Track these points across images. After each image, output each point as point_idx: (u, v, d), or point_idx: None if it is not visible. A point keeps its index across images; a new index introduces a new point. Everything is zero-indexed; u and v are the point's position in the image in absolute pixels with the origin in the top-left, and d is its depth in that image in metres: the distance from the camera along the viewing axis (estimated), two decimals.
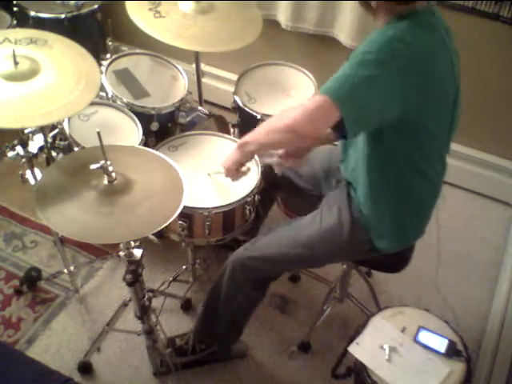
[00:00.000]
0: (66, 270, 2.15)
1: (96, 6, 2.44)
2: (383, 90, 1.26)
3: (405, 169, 1.48)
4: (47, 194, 1.42)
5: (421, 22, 1.32)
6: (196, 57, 2.30)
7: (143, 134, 1.94)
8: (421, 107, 1.34)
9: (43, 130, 1.81)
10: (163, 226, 1.36)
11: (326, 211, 1.66)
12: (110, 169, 1.40)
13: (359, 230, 1.59)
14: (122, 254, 1.52)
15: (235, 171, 1.59)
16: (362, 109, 1.28)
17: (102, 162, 1.38)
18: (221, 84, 2.91)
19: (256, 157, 1.92)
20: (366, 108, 1.27)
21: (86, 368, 1.97)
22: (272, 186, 1.89)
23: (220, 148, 1.96)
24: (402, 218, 1.57)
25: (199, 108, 2.35)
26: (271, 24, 2.55)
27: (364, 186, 1.55)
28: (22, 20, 2.35)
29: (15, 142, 1.80)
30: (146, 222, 1.38)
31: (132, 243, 1.51)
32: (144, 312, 1.66)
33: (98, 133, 1.36)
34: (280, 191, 2.05)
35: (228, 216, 1.81)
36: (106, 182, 1.41)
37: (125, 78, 2.15)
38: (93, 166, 1.39)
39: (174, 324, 2.11)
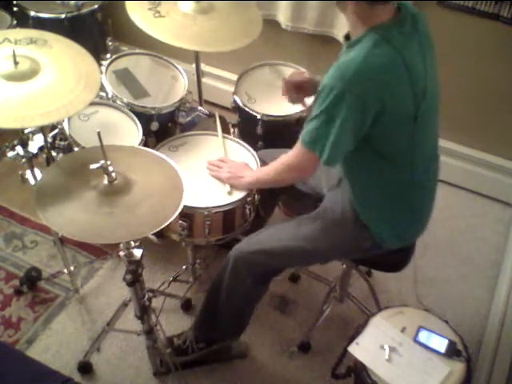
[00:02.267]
0: (66, 270, 2.15)
1: (96, 6, 2.44)
2: (347, 131, 1.38)
3: (377, 173, 1.53)
4: (47, 193, 1.42)
5: (386, 40, 1.34)
6: (196, 57, 2.30)
7: (143, 134, 1.94)
8: (377, 132, 1.41)
9: (43, 130, 1.81)
10: (163, 226, 1.36)
11: (329, 209, 1.67)
12: (110, 169, 1.40)
13: (361, 227, 1.59)
14: (121, 253, 1.51)
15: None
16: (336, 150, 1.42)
17: (102, 161, 1.38)
18: (221, 84, 2.91)
19: (257, 157, 1.92)
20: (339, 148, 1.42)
21: (86, 368, 1.97)
22: (274, 190, 1.90)
23: (219, 148, 1.96)
24: (392, 217, 1.59)
25: (199, 108, 2.35)
26: (271, 24, 2.55)
27: (349, 187, 1.59)
28: (22, 20, 2.35)
29: (15, 141, 1.80)
30: (145, 222, 1.38)
31: (132, 243, 1.51)
32: (144, 312, 1.66)
33: (98, 133, 1.36)
34: (281, 195, 2.06)
35: (228, 216, 1.81)
36: (106, 182, 1.41)
37: (125, 78, 2.15)
38: (93, 166, 1.38)
39: (174, 324, 2.11)
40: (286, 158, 1.58)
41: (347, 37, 1.47)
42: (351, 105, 1.33)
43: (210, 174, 1.86)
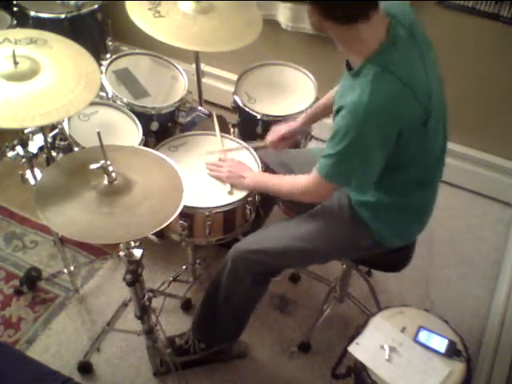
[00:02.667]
0: (66, 270, 2.15)
1: (96, 6, 2.44)
2: (374, 163, 1.42)
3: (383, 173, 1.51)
4: (47, 193, 1.42)
5: (386, 70, 1.33)
6: (196, 57, 2.30)
7: (143, 134, 1.94)
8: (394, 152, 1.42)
9: (43, 130, 1.81)
10: (163, 226, 1.36)
11: (327, 208, 1.67)
12: (110, 169, 1.40)
13: (360, 225, 1.59)
14: (121, 253, 1.51)
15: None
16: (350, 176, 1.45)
17: (102, 161, 1.38)
18: (221, 84, 2.91)
19: (257, 157, 1.92)
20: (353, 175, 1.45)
21: (86, 368, 1.97)
22: None
23: (220, 148, 1.96)
24: (392, 215, 1.59)
25: (199, 108, 2.35)
26: (271, 24, 2.54)
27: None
28: (22, 20, 2.34)
29: (15, 141, 1.80)
30: (145, 222, 1.38)
31: (132, 243, 1.51)
32: (144, 312, 1.66)
33: (98, 133, 1.36)
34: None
35: (229, 216, 1.81)
36: (106, 182, 1.41)
37: (125, 78, 2.15)
38: (93, 166, 1.38)
39: (174, 324, 2.11)
40: (304, 182, 1.56)
41: (348, 65, 1.45)
42: (371, 141, 1.35)
43: (210, 174, 1.86)
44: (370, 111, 1.31)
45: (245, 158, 1.93)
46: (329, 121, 1.58)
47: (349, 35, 1.34)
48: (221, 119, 2.12)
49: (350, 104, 1.34)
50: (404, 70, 1.34)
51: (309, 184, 1.53)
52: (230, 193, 1.80)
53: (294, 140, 2.01)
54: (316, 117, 1.91)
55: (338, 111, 1.39)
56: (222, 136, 2.00)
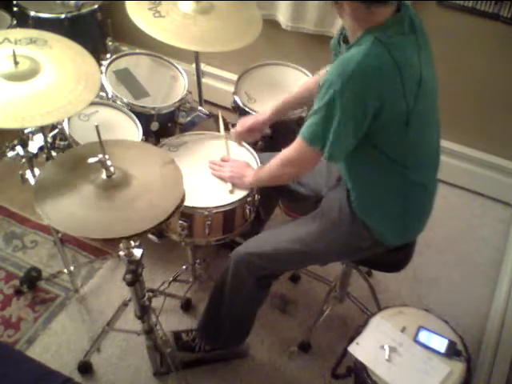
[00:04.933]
0: (65, 270, 2.15)
1: (96, 6, 2.44)
2: (347, 128, 1.39)
3: (378, 172, 1.53)
4: (46, 188, 1.42)
5: (381, 42, 1.34)
6: (196, 57, 2.30)
7: (143, 134, 1.94)
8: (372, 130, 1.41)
9: (43, 130, 1.81)
10: (162, 221, 1.35)
11: (327, 209, 1.67)
12: (109, 163, 1.39)
13: (359, 227, 1.59)
14: (121, 253, 1.51)
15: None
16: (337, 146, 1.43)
17: (100, 155, 1.38)
18: (221, 84, 2.91)
19: (257, 157, 1.92)
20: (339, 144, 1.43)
21: (86, 368, 1.97)
22: (274, 190, 1.90)
23: (220, 148, 1.96)
24: (392, 214, 1.59)
25: (199, 108, 2.35)
26: (271, 24, 2.55)
27: (349, 185, 1.59)
28: (22, 20, 2.35)
29: (15, 141, 1.80)
30: (144, 216, 1.37)
31: (132, 243, 1.51)
32: (144, 312, 1.66)
33: (97, 126, 1.35)
34: (281, 197, 2.06)
35: (228, 216, 1.81)
36: (104, 176, 1.40)
37: (125, 77, 2.15)
38: (91, 160, 1.38)
39: (174, 324, 2.11)
40: (286, 152, 1.57)
41: (345, 40, 1.48)
42: (350, 101, 1.34)
43: (213, 173, 1.86)
44: (358, 70, 1.32)
45: (245, 157, 1.93)
46: None
47: (363, 12, 1.36)
48: (219, 119, 2.12)
49: (344, 58, 1.36)
50: (399, 51, 1.36)
51: (291, 153, 1.55)
52: (231, 192, 1.80)
53: (263, 133, 1.99)
54: (283, 111, 1.92)
55: None
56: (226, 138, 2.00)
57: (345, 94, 1.33)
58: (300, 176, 1.81)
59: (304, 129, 1.47)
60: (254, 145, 2.02)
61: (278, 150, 1.63)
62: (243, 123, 1.92)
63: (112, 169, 1.41)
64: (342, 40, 1.50)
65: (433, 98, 1.51)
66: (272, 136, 2.07)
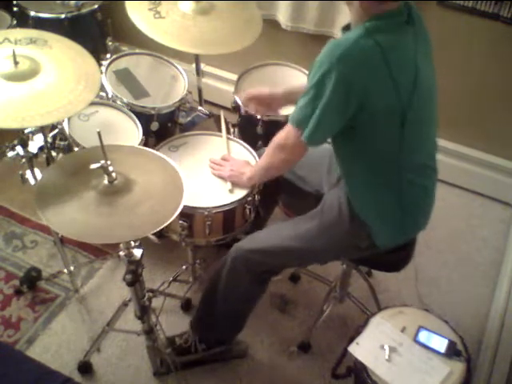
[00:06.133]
0: (65, 270, 2.15)
1: (96, 6, 2.44)
2: (331, 111, 1.39)
3: (375, 172, 1.53)
4: (47, 193, 1.42)
5: (371, 32, 1.35)
6: (196, 57, 2.30)
7: (143, 134, 1.94)
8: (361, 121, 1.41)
9: (43, 130, 1.81)
10: (163, 226, 1.36)
11: (327, 207, 1.67)
12: (111, 169, 1.40)
13: (359, 226, 1.59)
14: (121, 253, 1.51)
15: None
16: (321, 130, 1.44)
17: (102, 161, 1.38)
18: (221, 84, 2.91)
19: (257, 157, 1.92)
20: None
21: (86, 368, 1.97)
22: (274, 189, 1.90)
23: (220, 148, 1.96)
24: (390, 214, 1.59)
25: (199, 108, 2.35)
26: (271, 24, 2.55)
27: (347, 185, 1.59)
28: (22, 20, 2.35)
29: (15, 141, 1.80)
30: (145, 221, 1.38)
31: (132, 243, 1.51)
32: (144, 312, 1.66)
33: (99, 133, 1.36)
34: (281, 194, 2.06)
35: (228, 216, 1.81)
36: (106, 181, 1.41)
37: (125, 77, 2.15)
38: (93, 166, 1.38)
39: (174, 324, 2.11)
40: (277, 137, 1.58)
41: (347, 28, 1.48)
42: (336, 82, 1.33)
43: (213, 172, 1.87)
44: (349, 51, 1.33)
45: (245, 157, 1.93)
46: None
47: (371, 5, 1.37)
48: (221, 119, 2.12)
49: (335, 41, 1.37)
50: (390, 43, 1.36)
51: (281, 137, 1.56)
52: (231, 191, 1.80)
53: (275, 110, 1.97)
54: (295, 94, 1.89)
55: None
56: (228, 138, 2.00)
57: (332, 74, 1.33)
58: (296, 165, 1.78)
59: (293, 111, 1.48)
60: (254, 145, 2.02)
61: None
62: (258, 89, 1.93)
63: (114, 174, 1.41)
64: (344, 27, 1.50)
65: (431, 97, 1.51)
66: (271, 136, 2.06)
